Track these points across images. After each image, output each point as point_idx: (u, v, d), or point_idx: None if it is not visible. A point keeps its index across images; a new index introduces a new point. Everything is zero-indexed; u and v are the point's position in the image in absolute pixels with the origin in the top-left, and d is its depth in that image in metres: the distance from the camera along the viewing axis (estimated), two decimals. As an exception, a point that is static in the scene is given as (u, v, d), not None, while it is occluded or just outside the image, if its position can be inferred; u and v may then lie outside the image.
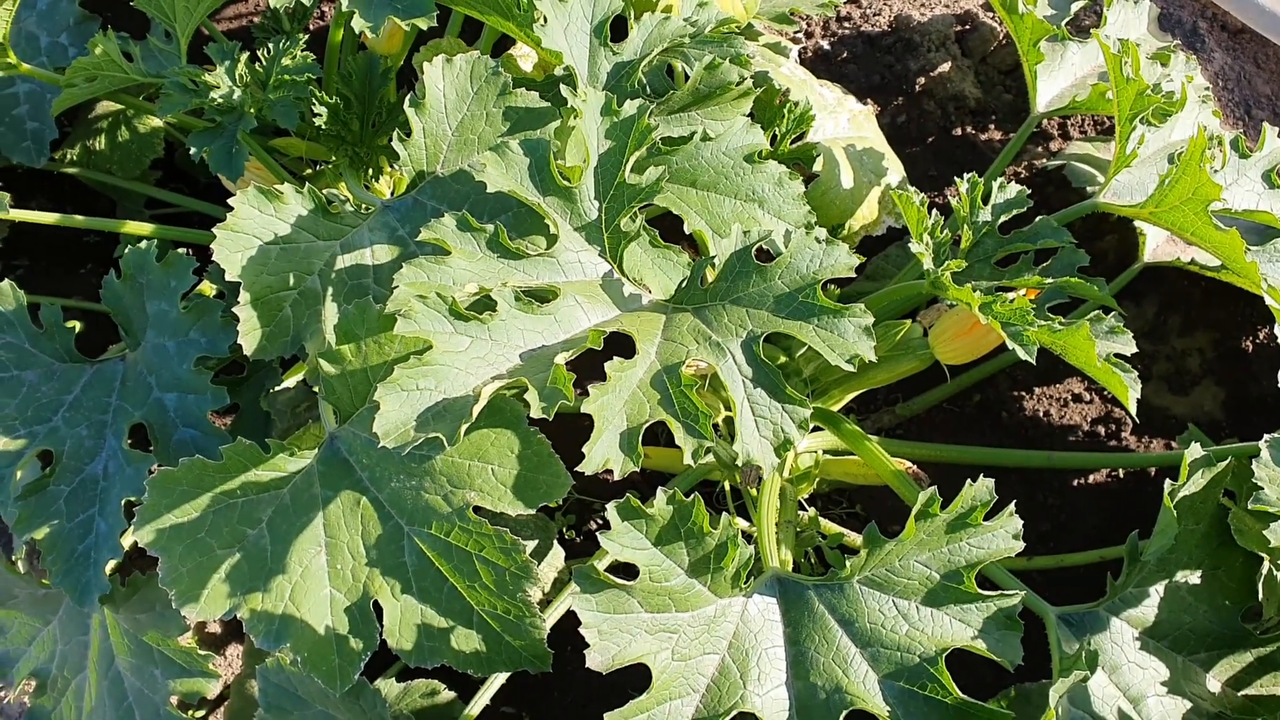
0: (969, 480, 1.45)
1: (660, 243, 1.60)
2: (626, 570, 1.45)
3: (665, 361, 1.40)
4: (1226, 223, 1.79)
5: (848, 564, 1.47)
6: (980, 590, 1.44)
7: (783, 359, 1.90)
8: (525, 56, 2.09)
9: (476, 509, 1.54)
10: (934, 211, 1.71)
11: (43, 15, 2.38)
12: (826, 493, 2.17)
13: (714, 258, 1.50)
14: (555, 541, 1.93)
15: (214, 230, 1.62)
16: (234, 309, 1.62)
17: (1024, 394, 2.25)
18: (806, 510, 2.05)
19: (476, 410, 1.30)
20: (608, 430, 1.33)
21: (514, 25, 1.79)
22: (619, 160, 1.54)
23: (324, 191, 1.75)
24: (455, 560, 1.54)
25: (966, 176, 1.75)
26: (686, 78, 1.89)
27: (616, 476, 1.31)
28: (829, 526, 2.06)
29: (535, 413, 1.31)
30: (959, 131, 2.50)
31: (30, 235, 2.46)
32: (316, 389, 1.68)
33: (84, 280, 2.52)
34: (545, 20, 1.73)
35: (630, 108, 1.55)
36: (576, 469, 1.34)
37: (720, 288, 1.48)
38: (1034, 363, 1.53)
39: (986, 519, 1.45)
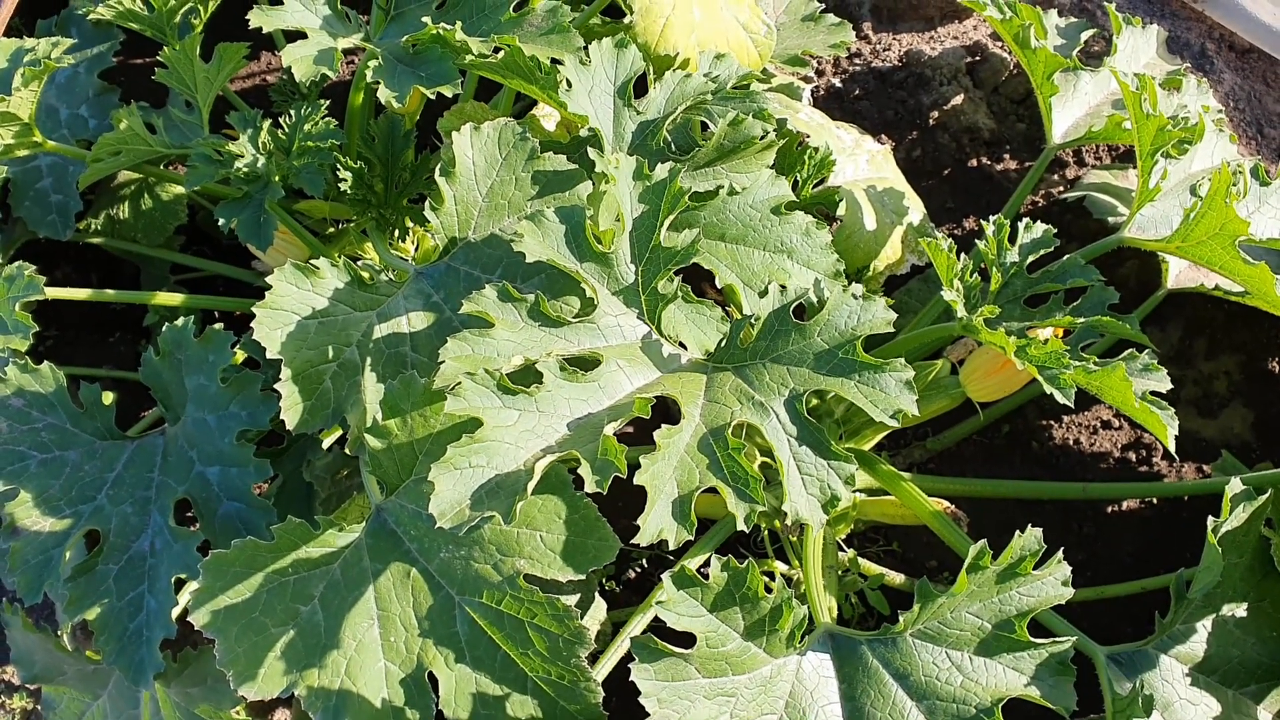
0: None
1: (693, 298, 1.61)
2: (671, 629, 1.45)
3: (710, 424, 1.42)
4: (1250, 252, 1.80)
5: (901, 618, 1.48)
6: (1032, 638, 1.45)
7: (814, 402, 1.91)
8: (548, 116, 2.11)
9: (526, 576, 1.55)
10: (962, 256, 1.73)
11: (61, 89, 2.39)
12: (862, 531, 2.18)
13: (751, 316, 1.51)
14: (596, 594, 1.93)
15: (253, 309, 1.63)
16: (276, 385, 1.63)
17: (1053, 423, 2.25)
18: (845, 551, 2.06)
19: (531, 486, 1.31)
20: (660, 499, 1.34)
21: (537, 89, 1.81)
22: (653, 224, 1.56)
23: (359, 263, 1.76)
24: (508, 628, 1.55)
25: (993, 219, 1.77)
26: (704, 128, 1.91)
27: (671, 546, 1.32)
28: (869, 567, 2.07)
29: (589, 487, 1.32)
30: (975, 163, 2.51)
31: (58, 305, 2.48)
32: (355, 454, 1.69)
33: (113, 349, 2.52)
34: (569, 84, 1.74)
35: (662, 171, 1.57)
36: (632, 541, 1.35)
37: (760, 346, 1.49)
38: (1071, 405, 1.55)
39: (1035, 567, 1.46)
